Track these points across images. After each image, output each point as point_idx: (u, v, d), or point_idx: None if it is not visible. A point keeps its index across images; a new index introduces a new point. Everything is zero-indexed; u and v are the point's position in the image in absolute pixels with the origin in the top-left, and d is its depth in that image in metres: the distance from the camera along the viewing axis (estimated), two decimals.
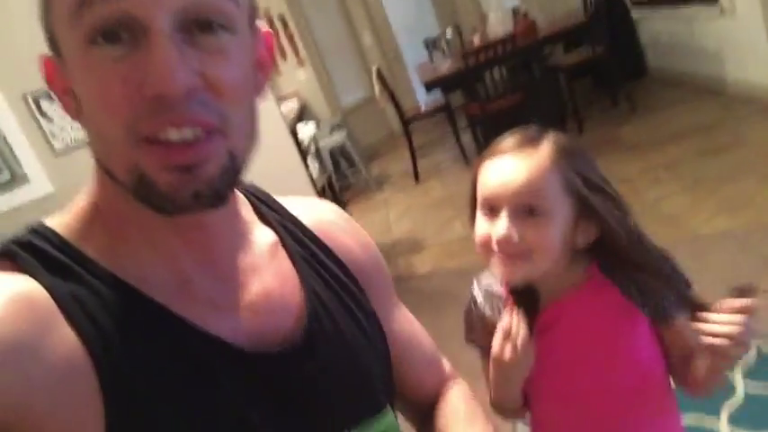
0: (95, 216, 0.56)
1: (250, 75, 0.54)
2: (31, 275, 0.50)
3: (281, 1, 6.32)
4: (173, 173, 0.48)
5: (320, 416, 0.60)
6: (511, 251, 0.84)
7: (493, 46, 4.58)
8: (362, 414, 0.63)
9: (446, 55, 5.53)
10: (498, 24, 5.16)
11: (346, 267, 0.69)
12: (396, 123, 6.92)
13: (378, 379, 0.67)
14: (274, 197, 0.72)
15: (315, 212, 0.72)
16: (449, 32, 5.81)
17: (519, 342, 0.83)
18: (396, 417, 0.70)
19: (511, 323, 0.85)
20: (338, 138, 5.70)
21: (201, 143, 0.49)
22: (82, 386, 0.47)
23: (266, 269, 0.62)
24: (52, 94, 0.55)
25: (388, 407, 0.67)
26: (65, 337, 0.48)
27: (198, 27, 0.49)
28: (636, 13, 5.62)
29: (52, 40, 0.52)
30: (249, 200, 0.68)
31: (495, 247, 0.84)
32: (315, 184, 3.93)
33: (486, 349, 0.92)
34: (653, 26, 5.49)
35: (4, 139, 2.75)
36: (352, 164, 6.08)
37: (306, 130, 4.95)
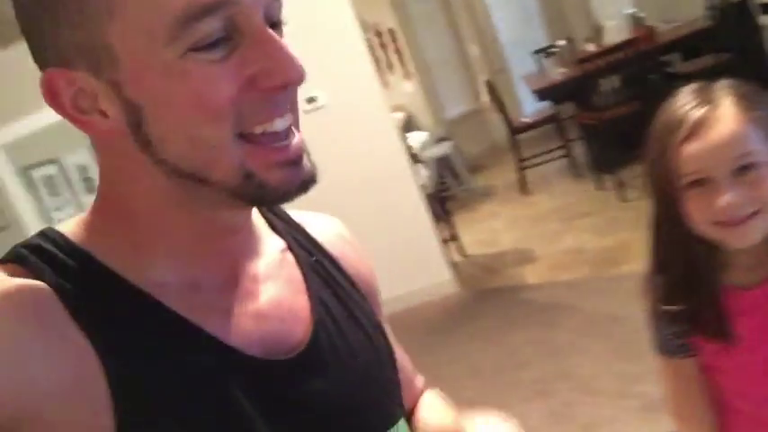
0: (105, 221, 0.55)
1: None
2: (40, 279, 0.48)
3: (392, 15, 6.44)
4: (282, 169, 0.50)
5: (333, 425, 0.58)
6: (743, 214, 0.83)
7: (611, 51, 4.45)
8: (375, 424, 0.61)
9: (559, 63, 5.42)
10: (616, 32, 5.00)
11: (351, 279, 0.68)
12: (499, 135, 6.85)
13: (388, 390, 0.65)
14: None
15: (320, 224, 0.71)
16: (561, 42, 5.71)
17: None
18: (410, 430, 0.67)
19: None
20: (444, 148, 5.71)
21: (297, 139, 0.52)
22: (92, 391, 0.46)
23: (276, 277, 0.61)
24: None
25: (403, 420, 0.65)
26: (75, 342, 0.47)
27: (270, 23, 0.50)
28: (764, 19, 5.27)
29: (98, 53, 0.47)
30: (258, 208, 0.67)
31: (724, 217, 0.83)
32: (423, 190, 3.93)
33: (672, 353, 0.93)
34: None
35: None
36: (455, 176, 6.06)
37: (417, 138, 4.99)
